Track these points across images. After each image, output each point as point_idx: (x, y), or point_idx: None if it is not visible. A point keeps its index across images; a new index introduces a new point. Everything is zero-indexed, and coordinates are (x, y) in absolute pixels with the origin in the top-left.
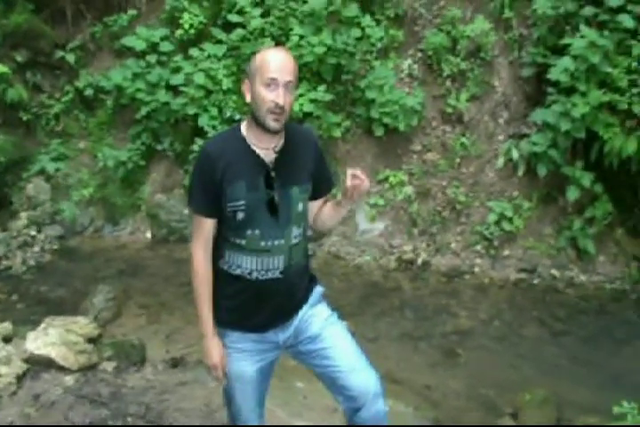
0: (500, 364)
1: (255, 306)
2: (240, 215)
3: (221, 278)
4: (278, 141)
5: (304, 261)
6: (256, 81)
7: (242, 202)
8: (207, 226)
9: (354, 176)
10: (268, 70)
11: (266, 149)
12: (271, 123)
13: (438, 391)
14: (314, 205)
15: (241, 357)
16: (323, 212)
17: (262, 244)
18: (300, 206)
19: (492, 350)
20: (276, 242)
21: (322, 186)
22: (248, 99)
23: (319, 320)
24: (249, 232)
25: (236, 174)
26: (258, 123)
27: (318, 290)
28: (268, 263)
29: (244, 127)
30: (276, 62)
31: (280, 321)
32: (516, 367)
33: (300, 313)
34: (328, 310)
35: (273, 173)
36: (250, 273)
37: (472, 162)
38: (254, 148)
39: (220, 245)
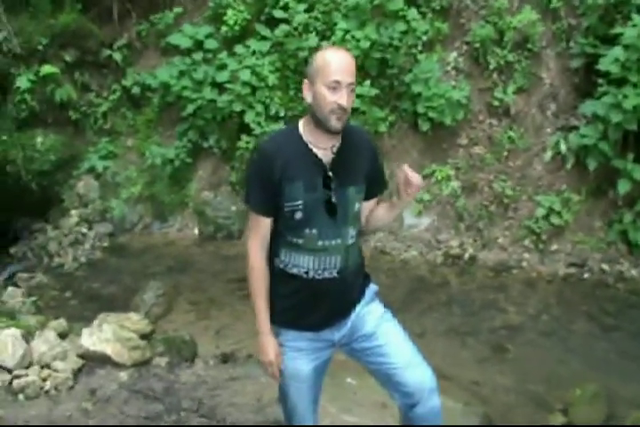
0: (550, 359)
1: (311, 305)
2: (298, 215)
3: (277, 277)
4: (336, 141)
5: (359, 261)
6: (318, 82)
7: (300, 202)
8: (264, 224)
9: (405, 173)
10: (331, 73)
11: (324, 149)
12: (334, 123)
13: (487, 387)
14: (366, 206)
15: (297, 355)
16: (375, 212)
17: (320, 243)
18: (357, 206)
19: (541, 345)
20: (334, 242)
21: (375, 186)
22: (309, 99)
23: (374, 318)
24: (307, 231)
25: (294, 174)
26: (318, 123)
27: (372, 288)
28: (325, 263)
29: (301, 126)
30: (338, 64)
31: (336, 320)
32: (565, 363)
33: (355, 311)
34: (382, 307)
35: (331, 174)
36: (307, 272)
37: (519, 155)
38: (312, 147)
39: (276, 244)
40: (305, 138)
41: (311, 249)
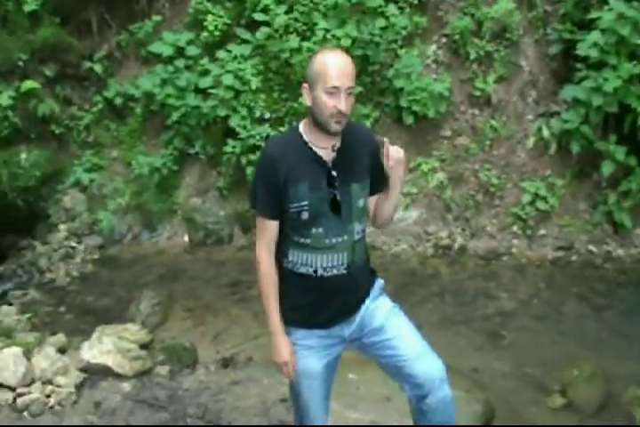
0: (544, 342)
1: (321, 303)
2: (304, 215)
3: (286, 278)
4: (337, 140)
5: (365, 256)
6: (317, 87)
7: (305, 202)
8: (271, 227)
9: (385, 148)
10: (330, 78)
11: (325, 148)
12: (333, 126)
13: (486, 374)
14: (372, 200)
15: (308, 353)
16: (380, 204)
17: (327, 241)
18: (361, 202)
19: (535, 329)
20: (340, 239)
21: (379, 181)
22: (308, 103)
23: (382, 312)
24: (313, 231)
25: (298, 175)
26: (319, 126)
27: (379, 283)
28: (333, 260)
29: (302, 128)
30: (336, 69)
31: (345, 316)
32: (559, 344)
33: (363, 307)
34: (390, 301)
35: (334, 172)
36: (315, 271)
37: (503, 144)
38: (314, 148)
39: (283, 245)
40: (306, 139)
41: (319, 248)
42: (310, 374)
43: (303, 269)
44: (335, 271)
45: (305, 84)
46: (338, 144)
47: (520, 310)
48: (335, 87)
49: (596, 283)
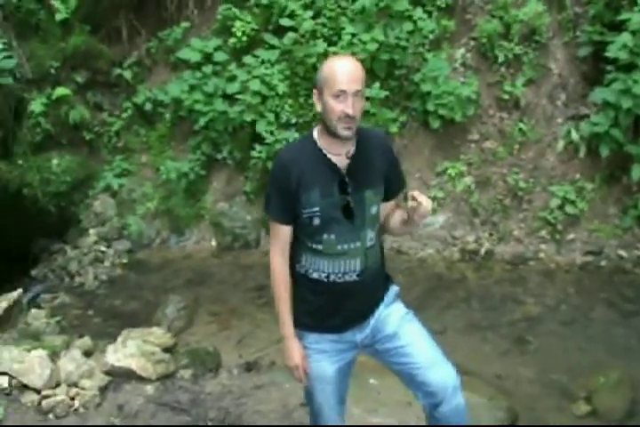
0: (571, 348)
1: (333, 308)
2: (316, 221)
3: (299, 282)
4: (350, 147)
5: (379, 262)
6: (325, 92)
7: (317, 208)
8: (284, 232)
9: (413, 198)
10: (337, 82)
11: (338, 154)
12: (343, 131)
13: (510, 380)
14: (385, 206)
15: (320, 357)
16: (393, 219)
17: (339, 247)
18: (374, 209)
19: (562, 335)
20: (352, 245)
21: (393, 187)
22: (318, 108)
23: (395, 319)
24: (325, 237)
25: (310, 181)
26: (329, 131)
27: (394, 289)
28: (345, 266)
29: (316, 134)
30: (343, 73)
31: (357, 322)
32: (586, 351)
33: (377, 313)
34: (404, 308)
35: (347, 179)
36: (327, 276)
37: (531, 147)
38: (327, 154)
39: (297, 250)
40: (320, 145)
41: (331, 254)
42: (323, 379)
43: (315, 275)
44: (347, 277)
45: (315, 90)
46: (352, 151)
47: (547, 316)
48: (342, 91)
49: (625, 288)
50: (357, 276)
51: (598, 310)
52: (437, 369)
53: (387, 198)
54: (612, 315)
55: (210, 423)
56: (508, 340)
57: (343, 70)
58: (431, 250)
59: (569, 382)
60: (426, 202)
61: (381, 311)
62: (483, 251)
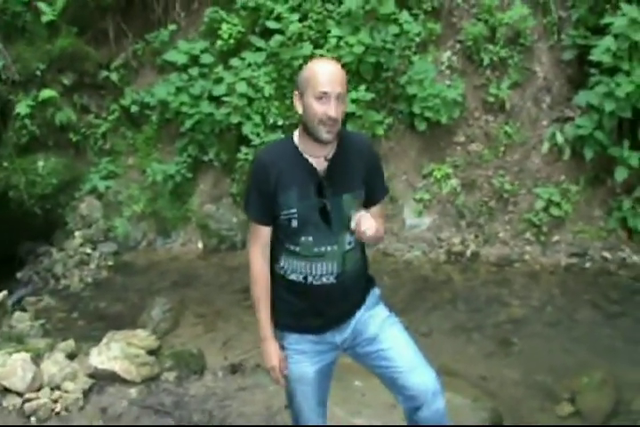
0: (556, 349)
1: (311, 310)
2: (294, 223)
3: (278, 283)
4: (330, 150)
5: (360, 265)
6: (307, 94)
7: (294, 210)
8: (263, 233)
9: (357, 223)
10: (319, 84)
11: (318, 157)
12: (324, 134)
13: (495, 381)
14: (370, 212)
15: (300, 358)
16: None
17: (315, 250)
18: (353, 213)
19: (547, 336)
20: (330, 248)
21: (374, 192)
22: (299, 110)
23: (377, 322)
24: (302, 239)
25: (288, 183)
26: (310, 133)
27: (375, 292)
28: (322, 269)
29: (296, 136)
30: (326, 75)
31: (336, 323)
32: (571, 352)
33: (358, 315)
34: (386, 311)
35: (325, 182)
36: (305, 278)
37: (516, 149)
38: (306, 156)
39: (276, 251)
40: (300, 147)
41: (308, 256)
42: (303, 380)
43: (293, 276)
44: (324, 280)
45: (296, 92)
46: (331, 154)
47: (532, 317)
48: (325, 93)
49: (609, 290)
50: (335, 278)
51: (583, 311)
52: (418, 373)
53: (367, 204)
54: (597, 316)
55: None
56: (493, 341)
57: (326, 72)
58: (417, 252)
59: (553, 383)
60: (367, 228)
61: (362, 314)
62: (468, 253)
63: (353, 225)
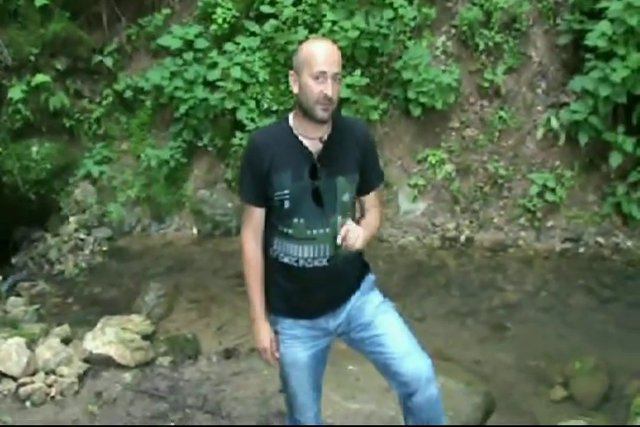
0: (549, 334)
1: (304, 293)
2: (287, 204)
3: (271, 266)
4: (325, 132)
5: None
6: (304, 73)
7: (287, 191)
8: (256, 215)
9: (343, 235)
10: (317, 63)
11: (312, 139)
12: (320, 113)
13: (488, 366)
14: (366, 200)
15: (294, 343)
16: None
17: (308, 232)
18: (347, 196)
19: (540, 321)
20: (322, 231)
21: (370, 178)
22: (295, 90)
23: (371, 308)
24: (295, 221)
25: (282, 164)
26: (305, 113)
27: (370, 278)
28: (315, 251)
29: (291, 118)
30: (323, 55)
31: (330, 308)
32: (564, 337)
33: (352, 301)
34: (380, 297)
35: (318, 163)
36: (297, 261)
37: (511, 135)
38: (301, 138)
39: (269, 234)
40: (294, 129)
41: (300, 238)
42: (297, 365)
43: (286, 259)
44: (316, 263)
45: (292, 72)
46: (326, 136)
47: (526, 302)
48: (322, 72)
49: (603, 275)
50: (327, 261)
51: (576, 296)
52: (411, 360)
53: (363, 190)
54: (590, 301)
55: (188, 410)
56: (487, 326)
57: (323, 52)
58: (412, 237)
59: (546, 367)
60: (354, 241)
61: (357, 299)
62: (463, 238)
63: (339, 241)
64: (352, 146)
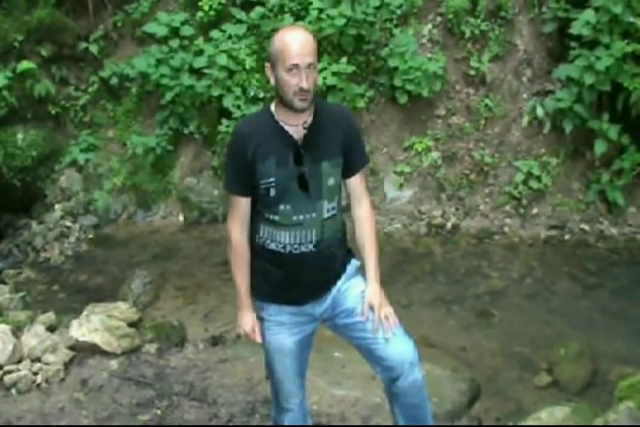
0: (534, 321)
1: (291, 279)
2: (272, 192)
3: (258, 253)
4: (307, 118)
5: (338, 235)
6: (278, 66)
7: (272, 179)
8: (242, 204)
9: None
10: (289, 56)
11: (295, 125)
12: (298, 104)
13: (474, 352)
14: (350, 182)
15: (279, 329)
16: (359, 233)
17: (294, 218)
18: (332, 181)
19: (525, 307)
20: (308, 216)
21: (353, 159)
22: (272, 81)
23: (356, 293)
24: (281, 207)
25: (266, 152)
26: (285, 103)
27: (354, 263)
28: (301, 237)
29: (273, 106)
30: (295, 47)
31: (316, 294)
32: (549, 323)
33: (337, 286)
34: (364, 283)
35: (302, 150)
36: (284, 247)
37: (497, 122)
38: (283, 125)
39: (255, 221)
40: (276, 117)
41: (287, 224)
42: (282, 351)
43: (273, 246)
44: (303, 248)
45: (267, 64)
46: (308, 122)
47: (511, 289)
48: (295, 65)
49: (588, 262)
50: (314, 247)
51: (561, 283)
52: (396, 344)
53: (348, 173)
54: (575, 288)
55: (174, 398)
56: (473, 313)
57: (294, 44)
58: (398, 224)
59: (531, 353)
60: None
61: (341, 285)
62: (449, 225)
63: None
64: (335, 131)
